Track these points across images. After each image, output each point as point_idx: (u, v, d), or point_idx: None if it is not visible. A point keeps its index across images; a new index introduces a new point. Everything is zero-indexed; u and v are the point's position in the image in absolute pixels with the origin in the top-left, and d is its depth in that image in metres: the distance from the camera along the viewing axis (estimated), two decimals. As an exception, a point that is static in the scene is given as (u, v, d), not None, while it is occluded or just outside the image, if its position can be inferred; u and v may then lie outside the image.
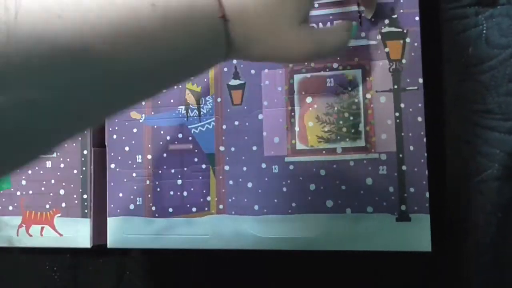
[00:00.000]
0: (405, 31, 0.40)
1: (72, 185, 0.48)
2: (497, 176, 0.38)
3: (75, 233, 0.47)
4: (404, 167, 0.40)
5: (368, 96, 0.41)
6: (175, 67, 0.27)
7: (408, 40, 0.40)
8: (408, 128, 0.40)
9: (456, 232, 0.40)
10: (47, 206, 0.49)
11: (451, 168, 0.40)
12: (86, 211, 0.47)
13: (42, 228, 0.49)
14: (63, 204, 0.48)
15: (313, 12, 0.42)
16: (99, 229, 0.47)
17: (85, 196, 0.48)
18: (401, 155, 0.40)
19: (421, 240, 0.39)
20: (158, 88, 0.29)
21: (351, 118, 0.41)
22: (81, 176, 0.48)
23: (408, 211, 0.39)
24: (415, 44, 0.40)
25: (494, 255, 0.39)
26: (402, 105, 0.40)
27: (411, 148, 0.39)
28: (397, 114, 0.40)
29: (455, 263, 0.40)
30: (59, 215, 0.48)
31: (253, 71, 0.43)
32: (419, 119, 0.39)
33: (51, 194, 0.49)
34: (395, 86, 0.40)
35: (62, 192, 0.48)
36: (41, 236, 0.48)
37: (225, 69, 0.44)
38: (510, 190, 0.38)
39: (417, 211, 0.39)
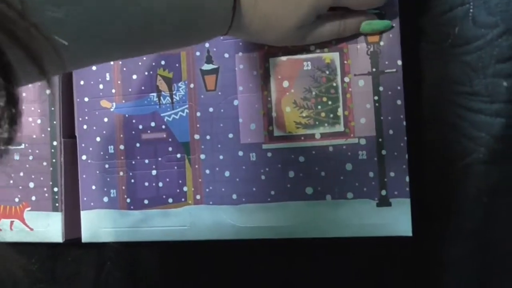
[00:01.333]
0: (383, 12, 0.39)
1: (42, 178, 0.46)
2: (483, 160, 0.38)
3: (46, 227, 0.46)
4: (383, 152, 0.39)
5: (346, 79, 0.40)
6: (186, 25, 0.32)
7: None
8: (388, 111, 0.39)
9: (439, 217, 0.39)
10: (16, 199, 0.47)
11: (434, 151, 0.40)
12: (57, 204, 0.46)
13: (12, 222, 0.47)
14: (33, 198, 0.46)
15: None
16: (71, 223, 0.46)
17: (55, 189, 0.46)
18: (380, 140, 0.39)
19: (402, 224, 0.38)
20: (163, 42, 0.33)
21: (330, 102, 0.40)
22: (51, 169, 0.46)
23: (389, 196, 0.39)
24: (393, 25, 0.39)
25: (479, 241, 0.38)
26: (381, 88, 0.39)
27: (391, 132, 0.39)
28: (376, 97, 0.39)
29: (437, 248, 0.40)
30: (29, 208, 0.46)
31: (226, 55, 0.42)
32: (398, 102, 0.38)
33: (20, 187, 0.47)
34: (374, 69, 0.39)
35: (31, 185, 0.46)
36: (11, 231, 0.47)
37: (197, 53, 0.42)
38: (496, 174, 0.38)
39: (398, 195, 0.38)
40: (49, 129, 0.46)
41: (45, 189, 0.46)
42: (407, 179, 0.38)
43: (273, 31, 0.36)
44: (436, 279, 0.40)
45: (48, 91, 0.46)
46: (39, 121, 0.46)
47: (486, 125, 0.38)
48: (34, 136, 0.46)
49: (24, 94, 0.47)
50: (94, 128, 0.45)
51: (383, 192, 0.39)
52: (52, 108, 0.46)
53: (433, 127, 0.40)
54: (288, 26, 0.36)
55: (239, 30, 0.35)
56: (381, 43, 0.39)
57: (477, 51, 0.38)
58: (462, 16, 0.39)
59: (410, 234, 0.38)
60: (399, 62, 0.38)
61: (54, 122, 0.46)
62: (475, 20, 0.38)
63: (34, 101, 0.47)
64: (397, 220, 0.38)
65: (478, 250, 0.39)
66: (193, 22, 0.32)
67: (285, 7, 0.34)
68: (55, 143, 0.46)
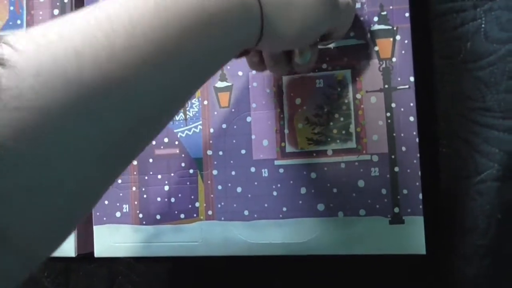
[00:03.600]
0: (395, 28, 0.39)
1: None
2: (497, 177, 0.38)
3: (61, 242, 0.46)
4: (396, 169, 0.39)
5: (359, 96, 0.40)
6: (223, 51, 0.28)
7: (398, 37, 0.39)
8: (400, 128, 0.39)
9: (452, 234, 0.39)
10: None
11: (447, 168, 0.39)
12: (71, 219, 0.46)
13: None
14: (47, 213, 0.47)
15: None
16: (84, 238, 0.46)
17: (70, 204, 0.46)
18: (393, 156, 0.39)
19: (415, 242, 0.38)
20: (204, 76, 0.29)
21: (342, 119, 0.40)
22: (65, 183, 0.46)
23: (402, 213, 0.38)
24: (406, 41, 0.39)
25: (493, 258, 0.38)
26: (393, 105, 0.39)
27: (403, 148, 0.39)
28: (388, 114, 0.39)
29: (451, 266, 0.39)
30: (43, 223, 0.47)
31: (240, 73, 0.42)
32: (411, 118, 0.38)
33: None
34: (386, 86, 0.39)
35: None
36: (25, 246, 0.47)
37: (211, 71, 0.43)
38: (510, 190, 0.38)
39: (411, 213, 0.38)
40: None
41: (59, 204, 0.46)
42: (420, 196, 0.38)
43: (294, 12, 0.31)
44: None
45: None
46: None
47: (499, 141, 0.38)
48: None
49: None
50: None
51: (396, 210, 0.38)
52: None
53: (446, 143, 0.40)
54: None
55: (269, 40, 0.31)
56: (393, 59, 0.39)
57: (489, 66, 0.38)
58: (474, 31, 0.39)
59: (424, 252, 0.38)
60: (412, 79, 0.38)
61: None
62: (487, 35, 0.38)
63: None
64: (410, 238, 0.38)
65: (493, 268, 0.38)
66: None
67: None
68: (69, 158, 0.46)
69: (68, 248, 0.46)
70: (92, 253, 0.45)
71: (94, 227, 0.45)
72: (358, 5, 0.40)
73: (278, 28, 0.30)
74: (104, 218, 0.45)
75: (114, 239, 0.44)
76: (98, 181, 0.24)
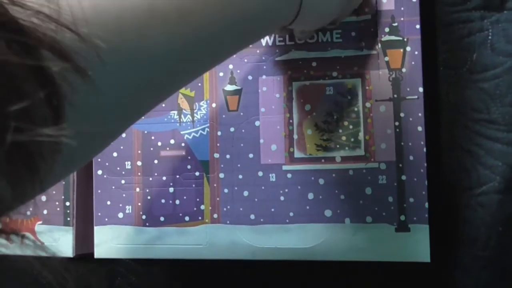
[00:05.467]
0: (405, 39, 0.40)
1: (54, 192, 0.46)
2: (498, 189, 0.39)
3: (57, 241, 0.45)
4: (403, 177, 0.39)
5: (368, 105, 0.40)
6: (253, 22, 0.29)
7: (408, 48, 0.40)
8: (408, 137, 0.39)
9: (456, 244, 0.40)
10: (28, 213, 0.46)
11: (451, 178, 0.40)
12: (68, 219, 0.45)
13: (23, 235, 0.46)
14: (45, 211, 0.46)
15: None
16: (83, 238, 0.45)
17: (67, 204, 0.45)
18: (400, 165, 0.39)
19: (420, 250, 0.39)
20: (234, 47, 0.31)
21: (351, 126, 0.41)
22: (63, 183, 0.46)
23: (408, 221, 0.39)
24: (416, 52, 0.40)
25: (494, 269, 0.39)
26: (402, 114, 0.40)
27: (411, 157, 0.39)
28: (396, 123, 0.40)
29: (455, 275, 0.40)
30: (40, 222, 0.46)
31: (250, 77, 0.42)
32: (419, 128, 0.39)
33: (32, 201, 0.46)
34: (395, 95, 0.40)
35: (43, 198, 0.46)
36: (22, 244, 0.46)
37: (221, 74, 0.43)
38: (511, 204, 0.39)
39: (417, 221, 0.39)
40: (62, 143, 0.46)
41: (57, 203, 0.46)
42: (427, 205, 0.39)
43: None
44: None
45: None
46: (53, 135, 0.46)
47: (503, 154, 0.39)
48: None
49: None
50: (112, 143, 0.44)
51: (402, 218, 0.39)
52: (66, 122, 0.46)
53: (450, 154, 0.40)
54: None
55: (306, 17, 0.33)
56: (403, 70, 0.40)
57: (495, 78, 0.39)
58: (480, 42, 0.40)
59: (428, 260, 0.38)
60: (421, 89, 0.39)
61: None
62: (493, 47, 0.39)
63: (49, 114, 0.46)
64: (415, 245, 0.39)
65: (494, 279, 0.39)
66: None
67: None
68: (68, 157, 0.46)
69: (66, 248, 0.45)
70: (91, 254, 0.45)
71: (95, 228, 0.44)
72: (369, 17, 0.41)
73: (316, 7, 0.32)
74: (106, 219, 0.44)
75: (115, 240, 0.44)
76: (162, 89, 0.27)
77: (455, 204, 0.40)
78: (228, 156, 0.42)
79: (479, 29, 0.40)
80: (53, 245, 0.45)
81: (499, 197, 0.39)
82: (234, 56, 0.42)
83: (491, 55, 0.39)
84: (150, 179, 0.44)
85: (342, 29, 0.41)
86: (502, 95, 0.39)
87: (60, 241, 0.45)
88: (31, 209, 0.45)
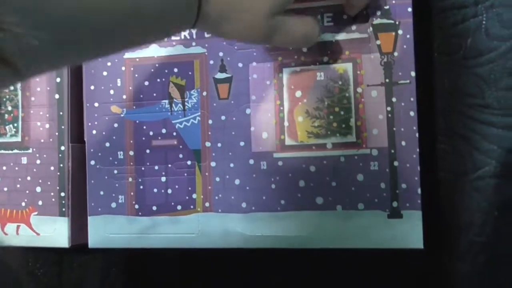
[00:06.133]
0: (397, 22, 0.39)
1: (49, 183, 0.46)
2: (494, 174, 0.38)
3: (53, 232, 0.45)
4: (396, 163, 0.39)
5: (359, 90, 0.40)
6: (145, 21, 0.28)
7: (400, 32, 0.39)
8: (400, 123, 0.39)
9: (450, 230, 0.39)
10: (23, 204, 0.46)
11: (446, 164, 0.39)
12: (64, 209, 0.45)
13: (18, 226, 0.46)
14: (40, 202, 0.46)
15: (304, 4, 0.40)
16: (78, 228, 0.45)
17: (62, 194, 0.45)
18: (393, 151, 0.39)
19: (413, 237, 0.38)
20: (122, 42, 0.29)
21: (342, 113, 0.40)
22: (58, 173, 0.46)
23: (400, 207, 0.39)
24: (408, 36, 0.39)
25: (489, 255, 0.38)
26: (394, 99, 0.39)
27: (403, 143, 0.39)
28: (388, 108, 0.39)
29: (448, 261, 0.39)
30: (35, 213, 0.46)
31: (240, 65, 0.42)
32: (411, 113, 0.39)
33: (27, 192, 0.46)
34: (387, 80, 0.39)
35: (38, 189, 0.46)
36: (17, 235, 0.46)
37: (211, 62, 0.42)
38: (507, 188, 0.38)
39: (409, 207, 0.38)
40: (57, 134, 0.46)
41: (52, 193, 0.46)
42: (419, 191, 0.38)
43: (240, 19, 0.32)
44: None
45: (57, 96, 0.46)
46: (47, 126, 0.46)
47: (498, 138, 0.38)
48: (42, 141, 0.46)
49: (33, 99, 0.47)
50: (104, 133, 0.45)
51: (395, 204, 0.39)
52: (61, 113, 0.46)
53: (444, 139, 0.40)
54: (259, 9, 0.32)
55: (208, 23, 0.31)
56: (395, 54, 0.39)
57: (489, 63, 0.38)
58: (474, 28, 0.39)
59: (421, 246, 0.38)
60: (413, 74, 0.39)
61: (62, 127, 0.46)
62: (487, 32, 0.39)
63: (43, 105, 0.46)
64: (408, 232, 0.38)
65: (488, 265, 0.38)
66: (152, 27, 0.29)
67: None
68: (63, 148, 0.46)
69: (61, 239, 0.45)
70: (86, 244, 0.45)
71: (89, 218, 0.44)
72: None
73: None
74: (99, 209, 0.44)
75: (109, 230, 0.44)
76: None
77: (449, 190, 0.40)
78: (219, 145, 0.42)
79: (473, 14, 0.39)
80: (48, 236, 0.45)
81: (495, 181, 0.38)
82: (224, 43, 0.42)
83: (485, 40, 0.39)
84: (142, 168, 0.44)
85: (333, 12, 0.40)
86: (496, 80, 0.38)
87: (56, 232, 0.45)
88: (26, 200, 0.45)
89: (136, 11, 0.27)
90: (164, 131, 0.43)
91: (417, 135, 0.38)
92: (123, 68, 0.44)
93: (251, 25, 0.32)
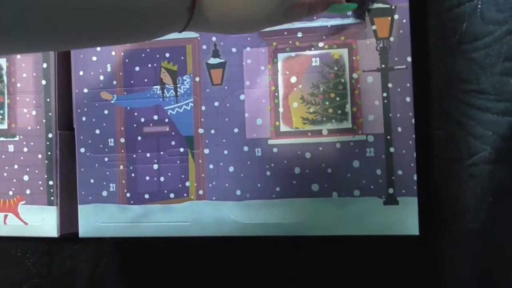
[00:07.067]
0: (393, 7, 0.39)
1: (36, 171, 0.45)
2: (489, 160, 0.38)
3: (41, 221, 0.44)
4: (392, 149, 0.38)
5: (355, 76, 0.39)
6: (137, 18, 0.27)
7: (396, 16, 0.39)
8: (396, 108, 0.38)
9: (445, 216, 0.39)
10: (10, 193, 0.45)
11: (441, 150, 0.39)
12: (52, 198, 0.44)
13: (6, 216, 0.45)
14: (28, 191, 0.45)
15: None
16: (68, 218, 0.44)
17: (51, 183, 0.44)
18: (389, 137, 0.39)
19: (409, 223, 0.38)
20: (113, 35, 0.28)
21: (337, 98, 0.40)
22: (46, 161, 0.45)
23: (396, 194, 0.38)
24: (404, 21, 0.38)
25: (484, 241, 0.38)
26: (390, 85, 0.39)
27: (399, 129, 0.38)
28: (384, 94, 0.39)
29: (444, 247, 0.39)
30: (23, 202, 0.45)
31: (234, 50, 0.41)
32: (408, 99, 0.38)
33: (14, 180, 0.45)
34: (383, 65, 0.39)
35: (26, 178, 0.45)
36: (5, 225, 0.45)
37: (204, 47, 0.42)
38: (502, 174, 0.38)
39: (405, 194, 0.38)
40: (44, 121, 0.45)
41: (40, 182, 0.45)
42: (415, 177, 0.38)
43: (238, 26, 0.32)
44: (441, 278, 0.40)
45: (43, 82, 0.45)
46: (34, 113, 0.45)
47: (493, 123, 0.38)
48: (29, 128, 0.45)
49: (18, 85, 0.45)
50: (94, 120, 0.43)
51: (391, 190, 0.38)
52: (48, 99, 0.45)
53: (440, 125, 0.40)
54: (257, 20, 0.32)
55: (198, 27, 0.31)
56: (391, 39, 0.39)
57: (485, 48, 0.38)
58: (470, 12, 0.39)
59: (417, 233, 0.38)
60: (409, 59, 0.38)
61: (50, 114, 0.45)
62: (483, 16, 0.38)
63: (29, 92, 0.45)
64: (404, 218, 0.38)
65: (483, 250, 0.39)
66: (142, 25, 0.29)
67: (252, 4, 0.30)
68: (50, 135, 0.44)
69: (50, 228, 0.44)
70: (76, 233, 0.44)
71: (79, 207, 0.43)
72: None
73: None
74: (90, 197, 0.43)
75: (100, 219, 0.43)
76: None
77: (445, 176, 0.40)
78: (212, 131, 0.41)
79: (469, -2, 0.39)
80: (37, 225, 0.44)
81: (490, 167, 0.38)
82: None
83: (481, 24, 0.38)
84: (134, 156, 0.43)
85: None
86: (492, 65, 0.38)
87: (44, 221, 0.44)
88: (13, 189, 0.44)
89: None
90: (156, 117, 0.42)
91: (413, 121, 0.38)
92: (113, 53, 0.43)
93: (249, 30, 0.33)
